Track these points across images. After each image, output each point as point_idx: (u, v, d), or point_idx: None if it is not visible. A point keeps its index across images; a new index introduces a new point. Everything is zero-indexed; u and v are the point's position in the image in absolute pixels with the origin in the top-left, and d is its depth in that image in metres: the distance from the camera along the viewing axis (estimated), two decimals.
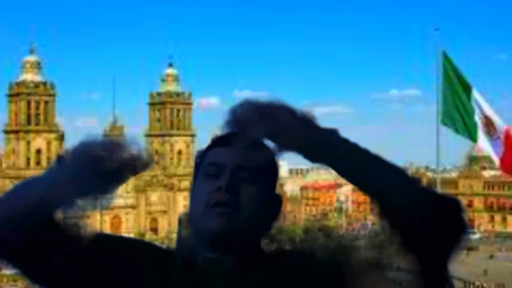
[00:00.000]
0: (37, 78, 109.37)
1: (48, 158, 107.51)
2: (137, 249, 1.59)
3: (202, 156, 1.56)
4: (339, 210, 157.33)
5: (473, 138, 13.21)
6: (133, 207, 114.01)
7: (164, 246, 1.62)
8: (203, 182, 1.50)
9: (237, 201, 1.45)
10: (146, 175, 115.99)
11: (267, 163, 1.53)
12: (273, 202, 1.55)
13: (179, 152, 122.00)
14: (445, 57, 13.71)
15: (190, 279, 1.48)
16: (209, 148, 1.56)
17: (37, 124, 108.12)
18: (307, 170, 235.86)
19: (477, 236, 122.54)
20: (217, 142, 1.55)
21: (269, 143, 1.52)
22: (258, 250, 1.53)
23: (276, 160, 1.55)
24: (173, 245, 1.63)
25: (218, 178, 1.47)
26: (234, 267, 1.47)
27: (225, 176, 1.47)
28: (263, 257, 1.51)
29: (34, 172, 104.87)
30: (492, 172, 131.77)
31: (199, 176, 1.54)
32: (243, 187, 1.47)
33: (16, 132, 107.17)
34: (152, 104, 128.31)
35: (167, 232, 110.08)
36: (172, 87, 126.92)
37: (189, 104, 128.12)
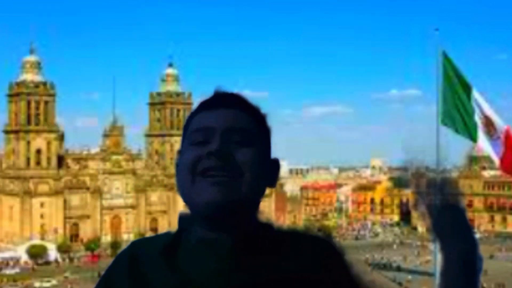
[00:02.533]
0: (37, 78, 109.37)
1: (48, 158, 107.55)
2: None
3: (186, 125, 1.42)
4: (339, 210, 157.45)
5: (473, 138, 13.22)
6: (133, 207, 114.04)
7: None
8: (190, 150, 1.34)
9: (231, 167, 1.30)
10: (146, 175, 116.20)
11: (259, 125, 1.40)
12: (269, 167, 1.40)
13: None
14: (445, 57, 13.71)
15: (171, 265, 1.33)
16: (194, 114, 1.42)
17: (37, 124, 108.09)
18: (307, 170, 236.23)
19: (477, 236, 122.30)
20: (202, 106, 1.41)
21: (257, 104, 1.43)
22: (258, 225, 1.36)
23: (267, 122, 1.43)
24: None
25: (207, 144, 1.32)
26: (234, 247, 1.31)
27: (215, 140, 1.32)
28: (266, 236, 1.35)
29: (34, 172, 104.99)
30: (492, 172, 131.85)
31: (184, 145, 1.38)
32: (236, 150, 1.32)
33: (16, 132, 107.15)
34: (152, 104, 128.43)
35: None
36: (172, 87, 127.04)
37: (189, 104, 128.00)
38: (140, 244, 1.45)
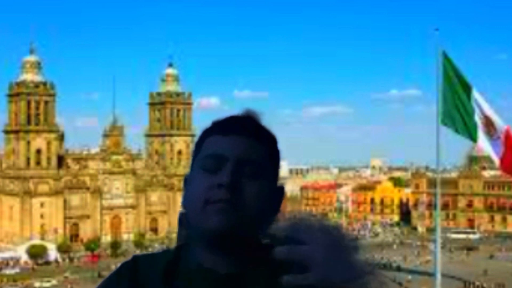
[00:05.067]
0: (37, 78, 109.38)
1: (48, 158, 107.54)
2: None
3: (199, 143, 1.43)
4: (339, 210, 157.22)
5: (473, 138, 13.21)
6: (133, 207, 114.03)
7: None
8: (202, 176, 1.37)
9: (239, 200, 1.33)
10: (146, 175, 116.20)
11: (271, 154, 1.42)
12: (275, 195, 1.43)
13: (179, 152, 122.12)
14: (445, 57, 13.70)
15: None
16: (207, 134, 1.42)
17: (37, 124, 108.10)
18: (307, 170, 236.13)
19: (477, 236, 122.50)
20: (216, 129, 1.41)
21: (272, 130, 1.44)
22: (259, 251, 1.37)
23: (278, 148, 1.46)
24: (173, 245, 1.52)
25: (218, 173, 1.34)
26: (233, 275, 1.36)
27: (226, 171, 1.34)
28: (265, 261, 1.34)
29: (34, 172, 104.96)
30: (492, 172, 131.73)
31: (195, 168, 1.41)
32: (246, 183, 1.35)
33: (16, 132, 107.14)
34: (152, 104, 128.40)
35: (167, 232, 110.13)
36: (172, 87, 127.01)
37: (189, 104, 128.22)
38: (142, 261, 1.46)
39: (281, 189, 1.45)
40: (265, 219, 1.38)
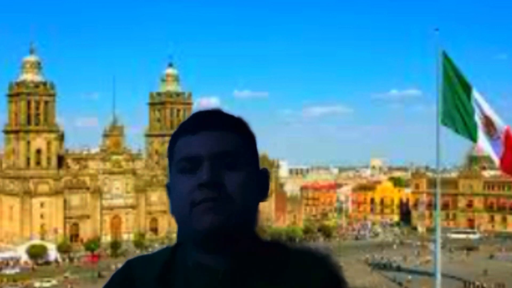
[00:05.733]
0: (37, 78, 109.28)
1: (48, 158, 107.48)
2: None
3: (171, 148, 1.43)
4: (339, 210, 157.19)
5: (473, 138, 13.21)
6: (133, 207, 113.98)
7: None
8: (181, 180, 1.37)
9: (223, 194, 1.32)
10: (146, 175, 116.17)
11: (244, 140, 1.40)
12: (259, 179, 1.42)
13: None
14: (445, 57, 13.71)
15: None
16: (176, 136, 1.41)
17: (37, 124, 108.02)
18: (307, 170, 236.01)
19: (477, 236, 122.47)
20: (184, 130, 1.39)
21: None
22: (255, 243, 1.39)
23: (252, 133, 1.43)
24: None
25: (197, 173, 1.33)
26: (231, 271, 1.35)
27: (204, 170, 1.32)
28: (262, 254, 1.38)
29: (34, 172, 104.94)
30: (492, 172, 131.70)
31: (173, 172, 1.41)
32: (226, 176, 1.33)
33: (16, 132, 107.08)
34: (152, 104, 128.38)
35: (167, 232, 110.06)
36: (172, 87, 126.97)
37: (189, 104, 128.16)
38: (136, 265, 1.45)
39: (265, 171, 1.44)
40: (255, 204, 1.38)
